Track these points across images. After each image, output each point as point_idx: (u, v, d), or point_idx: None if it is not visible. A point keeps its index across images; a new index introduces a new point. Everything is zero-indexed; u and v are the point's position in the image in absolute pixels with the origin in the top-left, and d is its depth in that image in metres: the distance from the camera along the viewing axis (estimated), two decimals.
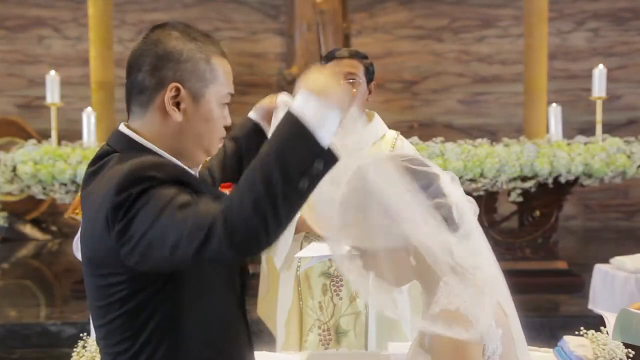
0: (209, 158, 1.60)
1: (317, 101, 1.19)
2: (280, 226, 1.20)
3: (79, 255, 2.76)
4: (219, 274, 1.44)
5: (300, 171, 1.17)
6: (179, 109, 1.41)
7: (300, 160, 1.17)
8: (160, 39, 1.42)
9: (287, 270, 2.67)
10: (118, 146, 1.43)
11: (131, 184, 1.30)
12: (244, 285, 1.53)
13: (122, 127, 1.46)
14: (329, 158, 1.20)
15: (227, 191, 1.61)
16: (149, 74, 1.41)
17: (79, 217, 2.74)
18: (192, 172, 1.47)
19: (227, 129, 1.53)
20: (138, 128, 1.44)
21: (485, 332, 1.41)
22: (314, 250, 2.49)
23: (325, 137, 1.19)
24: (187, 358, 1.40)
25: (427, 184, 1.47)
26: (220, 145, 1.52)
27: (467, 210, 1.51)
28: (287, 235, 2.61)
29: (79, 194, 2.76)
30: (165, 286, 1.36)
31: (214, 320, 1.42)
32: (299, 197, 1.19)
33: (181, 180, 1.34)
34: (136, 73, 1.42)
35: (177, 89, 1.40)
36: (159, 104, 1.41)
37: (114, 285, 1.37)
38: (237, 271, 1.51)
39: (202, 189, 1.38)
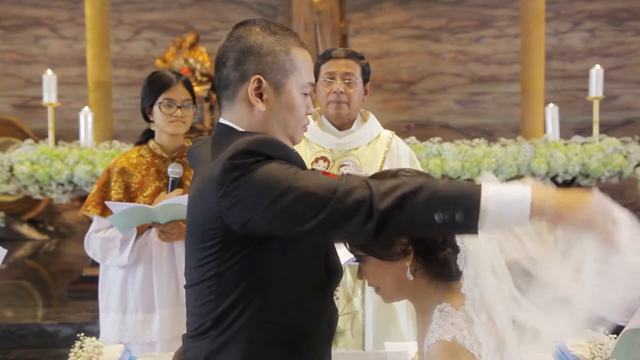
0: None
1: (546, 208, 1.28)
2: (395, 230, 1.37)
3: (90, 252, 2.77)
4: (306, 248, 1.49)
5: (449, 221, 1.30)
6: (262, 99, 1.49)
7: (459, 218, 1.29)
8: (242, 34, 1.51)
9: None
10: (221, 133, 1.52)
11: (244, 153, 1.39)
12: (332, 270, 1.57)
13: (221, 119, 1.55)
14: (471, 231, 1.32)
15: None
16: (233, 68, 1.50)
17: (91, 214, 2.75)
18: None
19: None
20: (230, 119, 1.53)
21: (483, 357, 1.42)
22: None
23: (491, 227, 1.29)
24: (268, 330, 1.45)
25: None
26: (304, 132, 1.59)
27: None
28: None
29: (92, 190, 2.78)
30: (255, 253, 1.43)
31: (297, 295, 1.47)
32: (427, 228, 1.34)
33: (289, 158, 1.42)
34: (222, 69, 1.52)
35: (259, 81, 1.49)
36: (243, 95, 1.50)
37: (209, 248, 1.44)
38: (324, 248, 1.56)
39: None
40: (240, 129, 1.51)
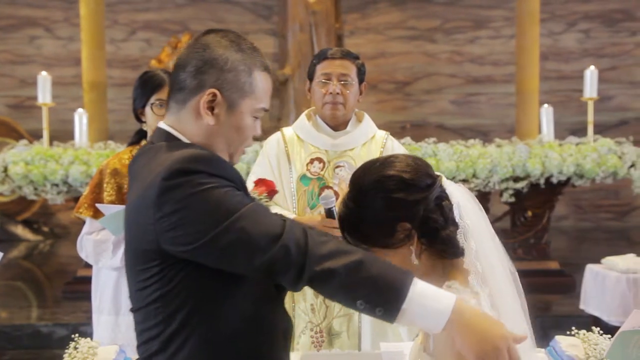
0: None
1: (452, 319, 1.32)
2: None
3: (83, 254, 2.76)
4: None
5: (371, 305, 1.34)
6: (212, 113, 1.46)
7: (381, 304, 1.34)
8: (210, 44, 1.48)
9: None
10: (159, 140, 1.49)
11: (180, 172, 1.36)
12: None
13: (161, 124, 1.52)
14: (389, 319, 1.34)
15: (256, 192, 1.61)
16: (191, 75, 1.47)
17: (84, 216, 2.74)
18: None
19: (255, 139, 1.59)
20: (173, 124, 1.50)
21: None
22: None
23: (404, 324, 1.33)
24: (218, 350, 1.42)
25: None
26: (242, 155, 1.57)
27: (469, 208, 1.54)
28: None
29: (85, 192, 2.77)
30: (198, 271, 1.40)
31: (247, 311, 1.44)
32: (348, 304, 1.38)
33: (228, 177, 1.40)
34: (180, 71, 1.48)
35: (214, 95, 1.45)
36: (194, 105, 1.47)
37: (149, 269, 1.41)
38: None
39: (244, 189, 1.45)
40: (180, 137, 1.47)
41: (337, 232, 2.34)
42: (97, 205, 2.65)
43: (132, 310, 1.52)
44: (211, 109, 1.46)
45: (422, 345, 1.55)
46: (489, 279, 1.51)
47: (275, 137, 2.77)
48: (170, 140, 1.47)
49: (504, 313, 1.50)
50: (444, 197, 1.51)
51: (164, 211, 1.35)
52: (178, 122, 1.49)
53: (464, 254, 1.51)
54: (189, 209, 1.35)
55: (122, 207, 2.59)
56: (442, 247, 1.50)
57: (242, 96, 1.47)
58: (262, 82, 1.50)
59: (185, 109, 1.48)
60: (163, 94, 2.68)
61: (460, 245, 1.51)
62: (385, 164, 1.51)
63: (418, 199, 1.48)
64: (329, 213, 2.45)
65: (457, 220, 1.51)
